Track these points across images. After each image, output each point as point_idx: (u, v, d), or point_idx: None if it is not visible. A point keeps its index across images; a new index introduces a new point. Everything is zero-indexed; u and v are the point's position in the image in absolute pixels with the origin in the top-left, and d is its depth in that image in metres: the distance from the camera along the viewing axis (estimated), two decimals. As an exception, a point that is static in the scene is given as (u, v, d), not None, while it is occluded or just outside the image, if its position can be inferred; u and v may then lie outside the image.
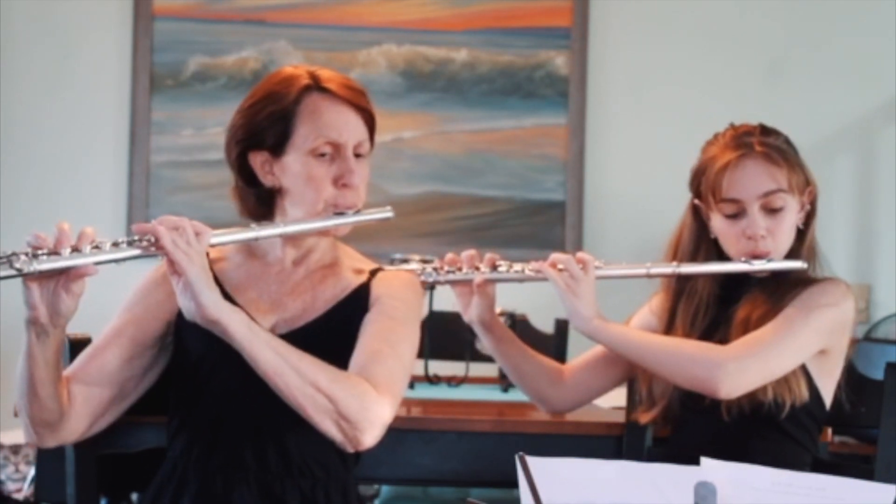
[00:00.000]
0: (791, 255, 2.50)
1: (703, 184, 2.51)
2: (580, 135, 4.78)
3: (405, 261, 2.70)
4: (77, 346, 2.26)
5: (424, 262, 2.57)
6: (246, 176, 2.23)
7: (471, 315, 2.55)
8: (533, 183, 4.79)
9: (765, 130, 2.52)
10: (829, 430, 2.68)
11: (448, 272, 2.51)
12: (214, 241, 2.06)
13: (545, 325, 3.88)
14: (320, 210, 2.18)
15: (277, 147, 2.19)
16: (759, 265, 2.47)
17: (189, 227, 2.00)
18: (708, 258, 2.55)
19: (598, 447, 2.66)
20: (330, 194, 2.18)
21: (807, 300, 2.44)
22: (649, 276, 2.53)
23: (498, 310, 2.62)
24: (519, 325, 3.18)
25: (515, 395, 3.13)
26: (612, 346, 2.48)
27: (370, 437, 2.06)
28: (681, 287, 2.55)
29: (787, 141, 2.53)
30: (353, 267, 2.27)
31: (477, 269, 2.51)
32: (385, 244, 4.39)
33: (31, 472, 4.24)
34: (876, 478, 2.46)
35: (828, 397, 2.49)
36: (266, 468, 2.16)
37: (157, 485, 2.22)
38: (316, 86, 2.20)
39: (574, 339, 3.35)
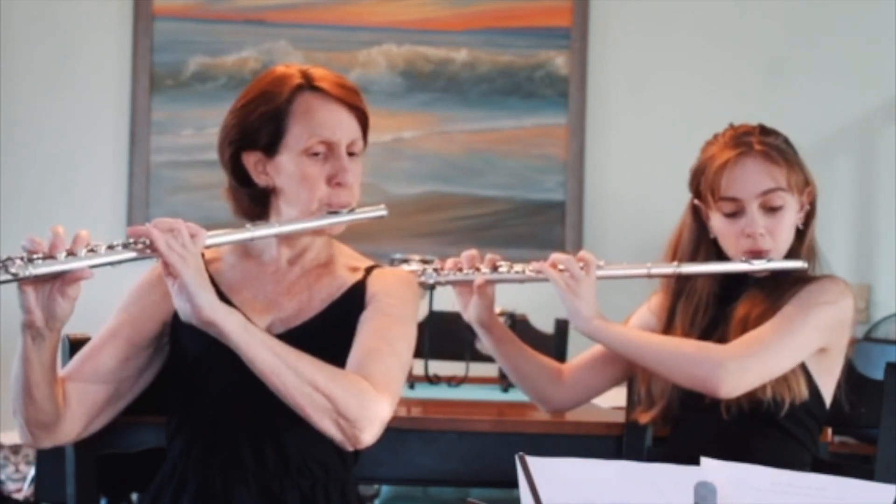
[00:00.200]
0: (791, 254, 2.50)
1: (703, 183, 2.51)
2: (580, 135, 4.78)
3: (405, 261, 2.70)
4: (77, 346, 2.25)
5: (424, 262, 2.58)
6: (239, 176, 2.23)
7: (470, 315, 2.56)
8: (533, 183, 4.79)
9: (764, 130, 2.52)
10: (829, 430, 2.68)
11: (448, 273, 2.52)
12: (209, 242, 2.06)
13: (545, 325, 3.88)
14: (314, 209, 2.18)
15: (270, 147, 2.19)
16: (759, 265, 2.47)
17: (184, 228, 2.00)
18: (708, 258, 2.55)
19: (598, 447, 2.66)
20: (324, 193, 2.18)
21: (806, 298, 2.44)
22: (650, 276, 2.53)
23: (498, 309, 2.62)
24: (519, 324, 3.18)
25: (515, 395, 3.13)
26: (613, 346, 2.48)
27: (369, 435, 2.06)
28: (680, 286, 2.55)
29: (787, 141, 2.53)
30: (349, 265, 2.27)
31: (477, 269, 2.51)
32: (385, 244, 4.39)
33: (31, 472, 4.24)
34: (876, 478, 2.46)
35: (827, 396, 2.49)
36: (265, 468, 2.16)
37: (156, 485, 2.22)
38: (308, 85, 2.20)
39: (574, 339, 3.35)
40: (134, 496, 2.65)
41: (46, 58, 4.65)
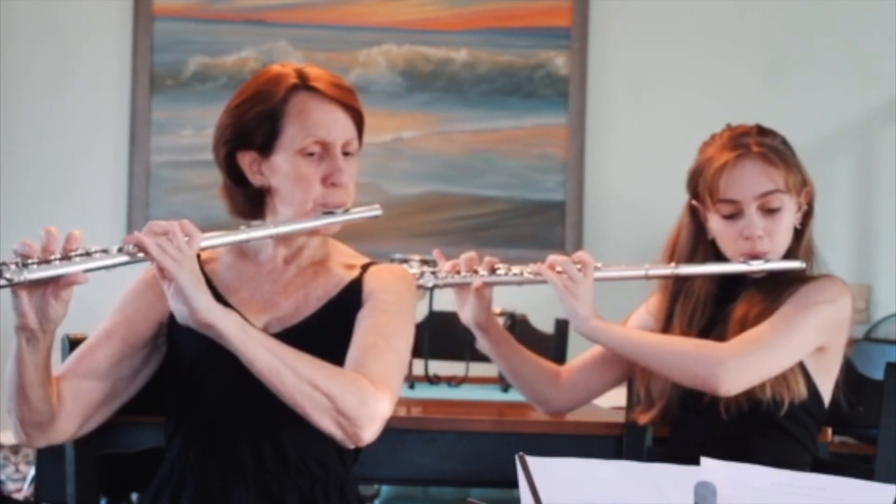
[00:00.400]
0: (788, 255, 2.50)
1: (701, 184, 2.51)
2: (580, 135, 4.78)
3: (405, 261, 2.70)
4: (77, 345, 2.25)
5: (424, 262, 2.58)
6: (234, 176, 2.23)
7: (467, 317, 2.55)
8: (533, 183, 4.79)
9: (762, 131, 2.52)
10: (829, 430, 2.68)
11: (446, 276, 2.52)
12: (205, 244, 2.06)
13: (545, 326, 3.88)
14: (309, 209, 2.18)
15: (266, 147, 2.18)
16: (757, 265, 2.47)
17: (179, 231, 2.00)
18: (706, 259, 2.55)
19: (597, 447, 2.66)
20: (319, 193, 2.18)
21: (804, 297, 2.44)
22: (648, 277, 2.53)
23: (498, 310, 2.62)
24: (519, 325, 3.18)
25: (515, 395, 3.13)
26: (611, 346, 2.48)
27: (369, 432, 2.06)
28: (678, 287, 2.55)
29: (784, 141, 2.53)
30: (344, 262, 2.26)
31: (475, 272, 2.51)
32: (385, 244, 4.39)
33: (31, 472, 4.24)
34: (876, 478, 2.46)
35: (826, 395, 2.49)
36: (264, 468, 2.16)
37: (156, 485, 2.22)
38: (303, 85, 2.19)
39: (574, 339, 3.35)
40: (134, 496, 2.65)
41: (46, 58, 4.65)
